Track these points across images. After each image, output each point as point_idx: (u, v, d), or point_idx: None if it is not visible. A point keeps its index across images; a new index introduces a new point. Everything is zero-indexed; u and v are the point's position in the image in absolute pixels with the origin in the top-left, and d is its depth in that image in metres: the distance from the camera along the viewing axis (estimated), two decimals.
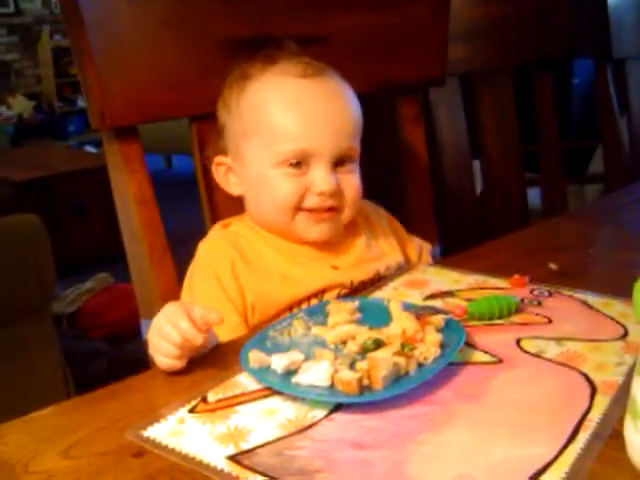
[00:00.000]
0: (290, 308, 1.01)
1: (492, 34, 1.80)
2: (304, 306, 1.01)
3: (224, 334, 0.91)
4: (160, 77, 1.10)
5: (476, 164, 1.86)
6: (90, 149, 5.74)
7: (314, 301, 1.02)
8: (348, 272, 1.06)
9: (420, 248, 1.24)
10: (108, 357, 2.55)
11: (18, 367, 1.94)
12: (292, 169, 1.02)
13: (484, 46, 1.79)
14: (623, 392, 0.70)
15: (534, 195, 2.03)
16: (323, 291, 1.03)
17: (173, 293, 1.08)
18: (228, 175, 1.10)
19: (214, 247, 1.07)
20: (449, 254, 1.28)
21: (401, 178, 1.45)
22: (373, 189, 1.13)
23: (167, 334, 0.79)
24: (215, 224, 1.12)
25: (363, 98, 1.10)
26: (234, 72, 1.07)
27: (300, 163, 1.01)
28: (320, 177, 1.02)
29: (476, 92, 1.83)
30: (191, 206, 1.51)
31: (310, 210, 1.03)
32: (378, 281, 1.07)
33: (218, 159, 1.10)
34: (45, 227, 2.00)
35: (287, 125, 1.01)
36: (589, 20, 2.10)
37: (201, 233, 1.13)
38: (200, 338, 0.78)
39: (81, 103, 7.46)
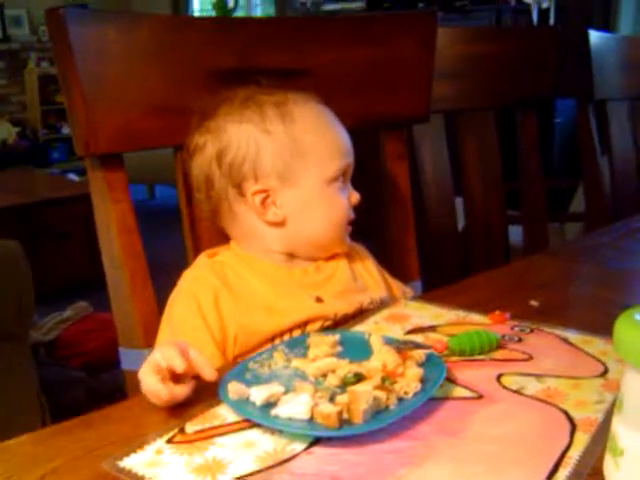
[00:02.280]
0: (272, 339, 1.01)
1: (476, 73, 1.82)
2: (286, 337, 1.01)
3: None
4: (146, 106, 1.10)
5: (458, 201, 1.87)
6: (73, 177, 5.72)
7: (297, 332, 1.02)
8: (332, 304, 1.06)
9: (403, 292, 1.24)
10: (85, 386, 2.53)
11: None
12: (341, 184, 1.09)
13: (468, 84, 1.81)
14: (603, 430, 0.70)
15: (515, 233, 2.04)
16: (306, 323, 1.03)
17: (153, 322, 1.07)
18: (266, 202, 1.06)
19: (198, 276, 1.07)
20: (430, 289, 1.29)
21: (384, 213, 1.46)
22: (356, 223, 1.13)
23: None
24: (201, 253, 1.12)
25: (349, 132, 1.12)
26: (237, 100, 1.06)
27: (343, 178, 1.09)
28: (354, 190, 1.12)
29: (460, 129, 1.85)
30: (172, 237, 1.52)
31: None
32: (361, 314, 1.07)
33: (255, 187, 1.05)
34: (25, 254, 1.99)
35: (339, 142, 1.10)
36: (572, 61, 2.13)
37: (182, 263, 1.12)
38: (161, 400, 0.78)
39: (65, 131, 7.48)
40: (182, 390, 0.78)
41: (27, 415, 2.01)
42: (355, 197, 1.11)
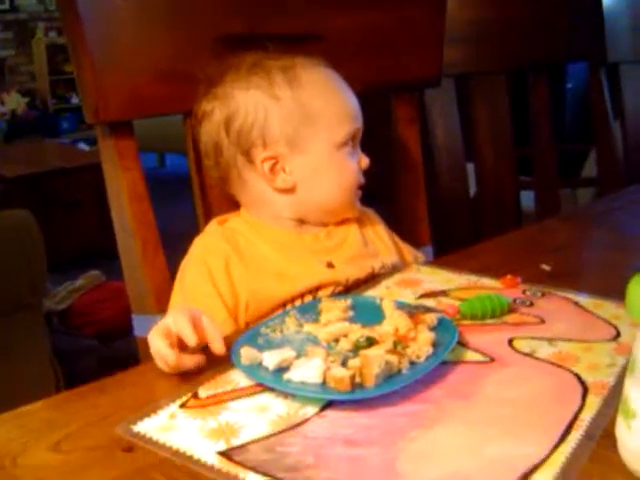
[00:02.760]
0: (284, 305, 1.01)
1: (488, 37, 1.81)
2: (298, 303, 1.01)
3: None
4: (155, 72, 1.09)
5: (470, 167, 1.86)
6: (83, 146, 5.72)
7: (308, 298, 1.02)
8: (343, 269, 1.06)
9: (415, 257, 1.24)
10: (98, 355, 2.54)
11: (8, 363, 1.94)
12: (351, 149, 1.08)
13: (479, 48, 1.79)
14: (614, 393, 0.70)
15: (527, 198, 2.03)
16: (318, 288, 1.03)
17: (165, 289, 1.08)
18: (275, 168, 1.06)
19: (209, 242, 1.07)
20: (442, 255, 1.28)
21: (395, 178, 1.45)
22: (366, 188, 1.13)
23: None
24: (212, 220, 1.12)
25: (359, 97, 1.11)
26: (244, 67, 1.06)
27: (352, 143, 1.09)
28: (363, 154, 1.12)
29: (471, 94, 1.83)
30: (183, 205, 1.52)
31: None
32: (372, 279, 1.07)
33: (264, 154, 1.04)
34: (36, 223, 2.00)
35: (347, 107, 1.09)
36: (584, 24, 2.10)
37: (193, 231, 1.12)
38: (167, 365, 0.78)
39: (74, 100, 7.48)
40: (190, 360, 0.78)
41: (41, 384, 2.03)
42: (365, 161, 1.11)
